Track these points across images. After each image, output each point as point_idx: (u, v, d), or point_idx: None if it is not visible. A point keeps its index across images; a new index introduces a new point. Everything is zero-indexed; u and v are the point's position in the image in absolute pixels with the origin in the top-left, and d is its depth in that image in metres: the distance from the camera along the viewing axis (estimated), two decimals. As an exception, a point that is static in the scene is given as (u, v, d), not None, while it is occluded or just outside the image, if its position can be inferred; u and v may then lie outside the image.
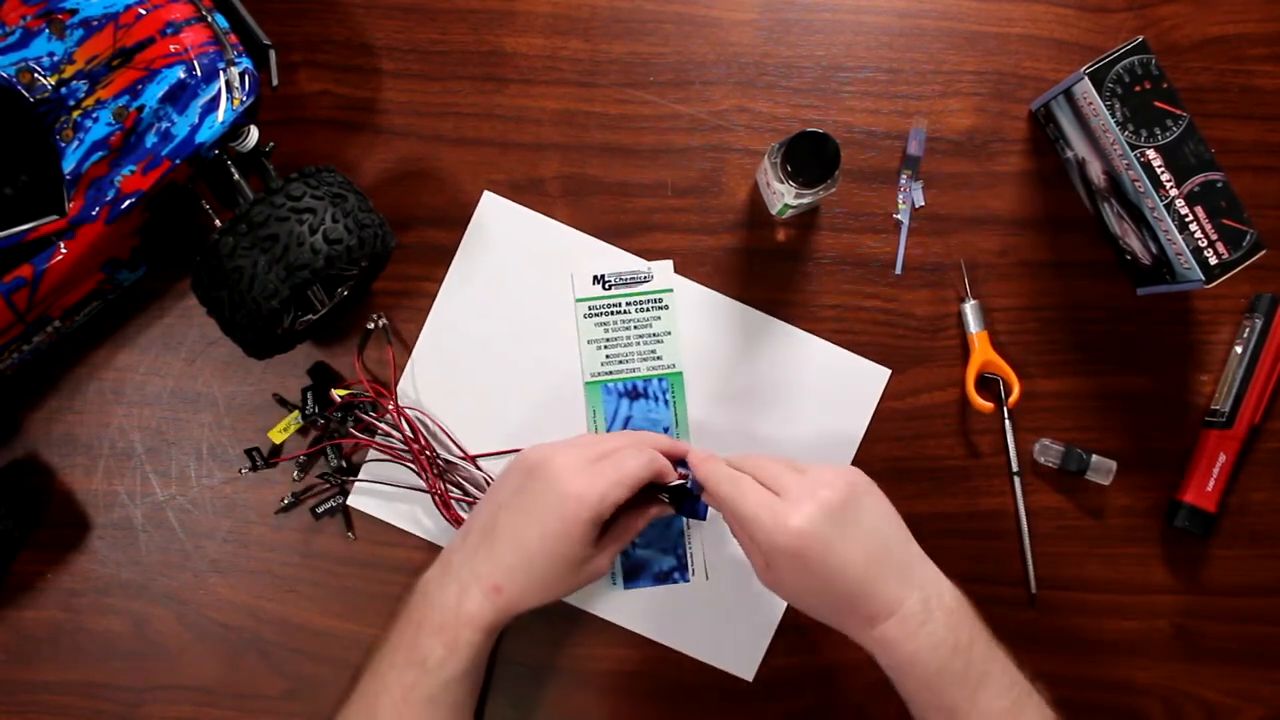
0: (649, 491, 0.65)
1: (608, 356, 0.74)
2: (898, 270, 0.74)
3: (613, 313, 0.74)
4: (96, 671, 0.73)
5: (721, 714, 0.73)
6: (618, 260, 0.74)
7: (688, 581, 0.73)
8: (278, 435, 0.71)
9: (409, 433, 0.71)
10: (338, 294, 0.70)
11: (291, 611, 0.73)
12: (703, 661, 0.73)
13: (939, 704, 0.57)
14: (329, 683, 0.72)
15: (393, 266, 0.72)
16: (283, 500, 0.72)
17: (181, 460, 0.73)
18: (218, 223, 0.67)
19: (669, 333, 0.74)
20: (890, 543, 0.59)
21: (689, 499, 0.65)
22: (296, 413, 0.72)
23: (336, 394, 0.71)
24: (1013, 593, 0.74)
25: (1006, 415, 0.73)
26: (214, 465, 0.73)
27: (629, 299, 0.74)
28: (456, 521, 0.71)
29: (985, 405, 0.72)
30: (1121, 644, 0.74)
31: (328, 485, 0.72)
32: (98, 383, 0.73)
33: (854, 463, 0.73)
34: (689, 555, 0.73)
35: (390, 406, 0.71)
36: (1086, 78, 0.66)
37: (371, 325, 0.73)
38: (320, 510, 0.72)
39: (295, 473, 0.72)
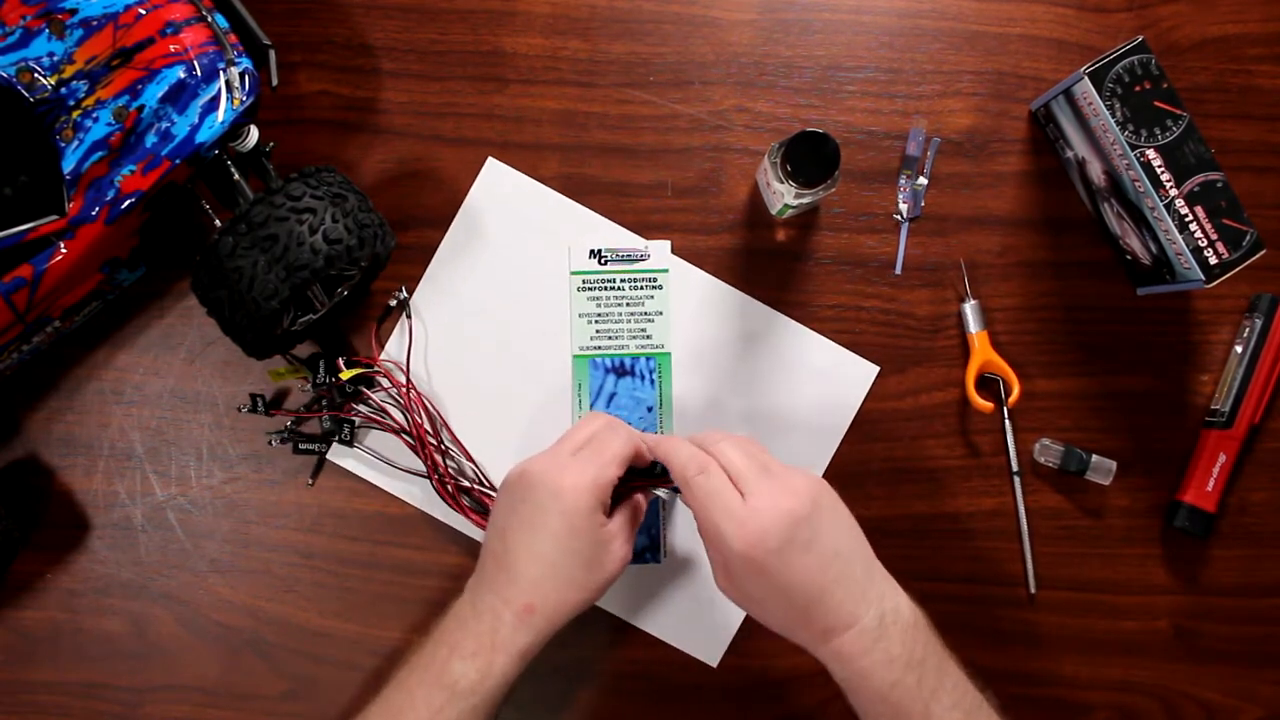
0: (633, 475, 0.64)
1: (598, 331, 0.73)
2: (897, 270, 0.74)
3: (606, 288, 0.73)
4: (96, 671, 0.73)
5: (725, 714, 0.73)
6: (616, 236, 0.74)
7: (659, 562, 0.72)
8: (275, 376, 0.71)
9: (415, 416, 0.71)
10: (337, 294, 0.70)
11: (291, 611, 0.73)
12: (670, 645, 0.73)
13: (893, 716, 0.57)
14: (328, 683, 0.72)
15: (392, 267, 0.72)
16: (278, 430, 0.72)
17: (181, 460, 0.73)
18: (218, 223, 0.67)
19: (660, 313, 0.73)
20: (850, 558, 0.58)
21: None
22: (305, 369, 0.71)
23: (344, 375, 0.71)
24: (1012, 593, 0.74)
25: (1006, 415, 0.73)
26: (214, 465, 0.73)
27: (624, 275, 0.73)
28: (452, 500, 0.71)
29: (985, 405, 0.72)
30: (1121, 644, 0.74)
31: (322, 434, 0.73)
32: (97, 383, 0.73)
33: (843, 461, 0.73)
34: (662, 535, 0.72)
35: (393, 382, 0.72)
36: (1086, 78, 0.66)
37: (393, 302, 0.73)
38: (302, 447, 0.72)
39: (288, 422, 0.72)
